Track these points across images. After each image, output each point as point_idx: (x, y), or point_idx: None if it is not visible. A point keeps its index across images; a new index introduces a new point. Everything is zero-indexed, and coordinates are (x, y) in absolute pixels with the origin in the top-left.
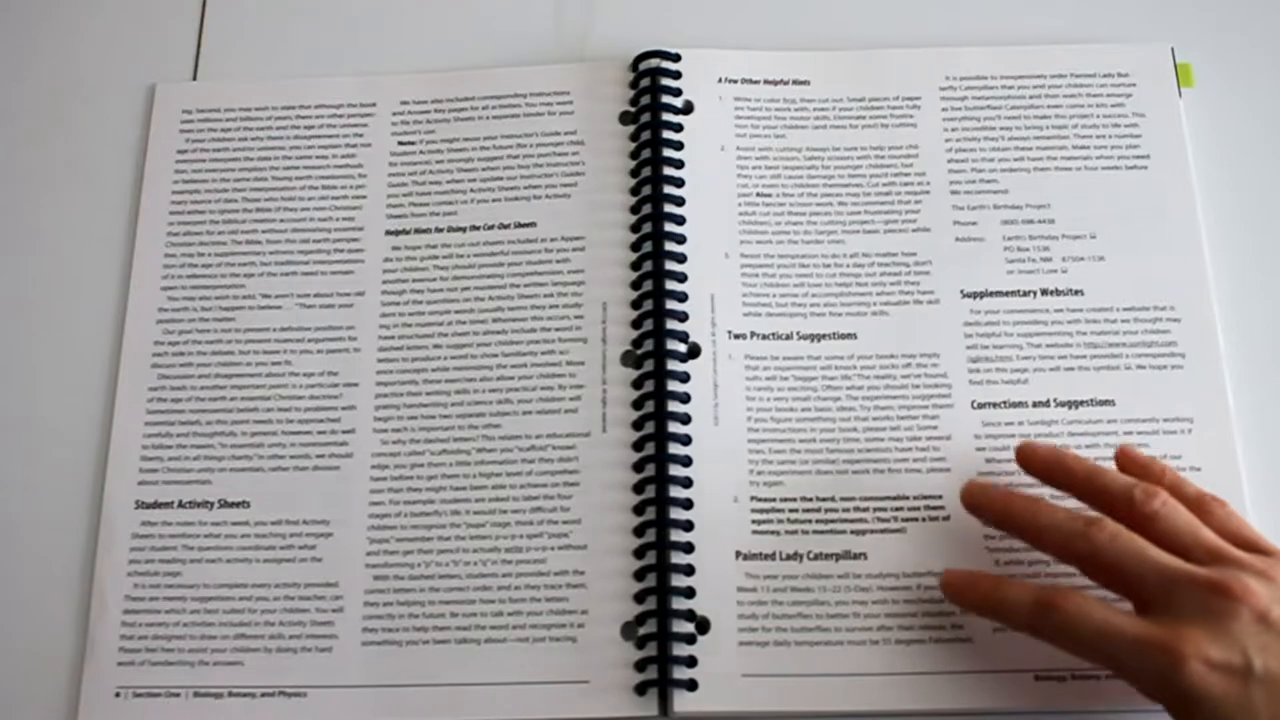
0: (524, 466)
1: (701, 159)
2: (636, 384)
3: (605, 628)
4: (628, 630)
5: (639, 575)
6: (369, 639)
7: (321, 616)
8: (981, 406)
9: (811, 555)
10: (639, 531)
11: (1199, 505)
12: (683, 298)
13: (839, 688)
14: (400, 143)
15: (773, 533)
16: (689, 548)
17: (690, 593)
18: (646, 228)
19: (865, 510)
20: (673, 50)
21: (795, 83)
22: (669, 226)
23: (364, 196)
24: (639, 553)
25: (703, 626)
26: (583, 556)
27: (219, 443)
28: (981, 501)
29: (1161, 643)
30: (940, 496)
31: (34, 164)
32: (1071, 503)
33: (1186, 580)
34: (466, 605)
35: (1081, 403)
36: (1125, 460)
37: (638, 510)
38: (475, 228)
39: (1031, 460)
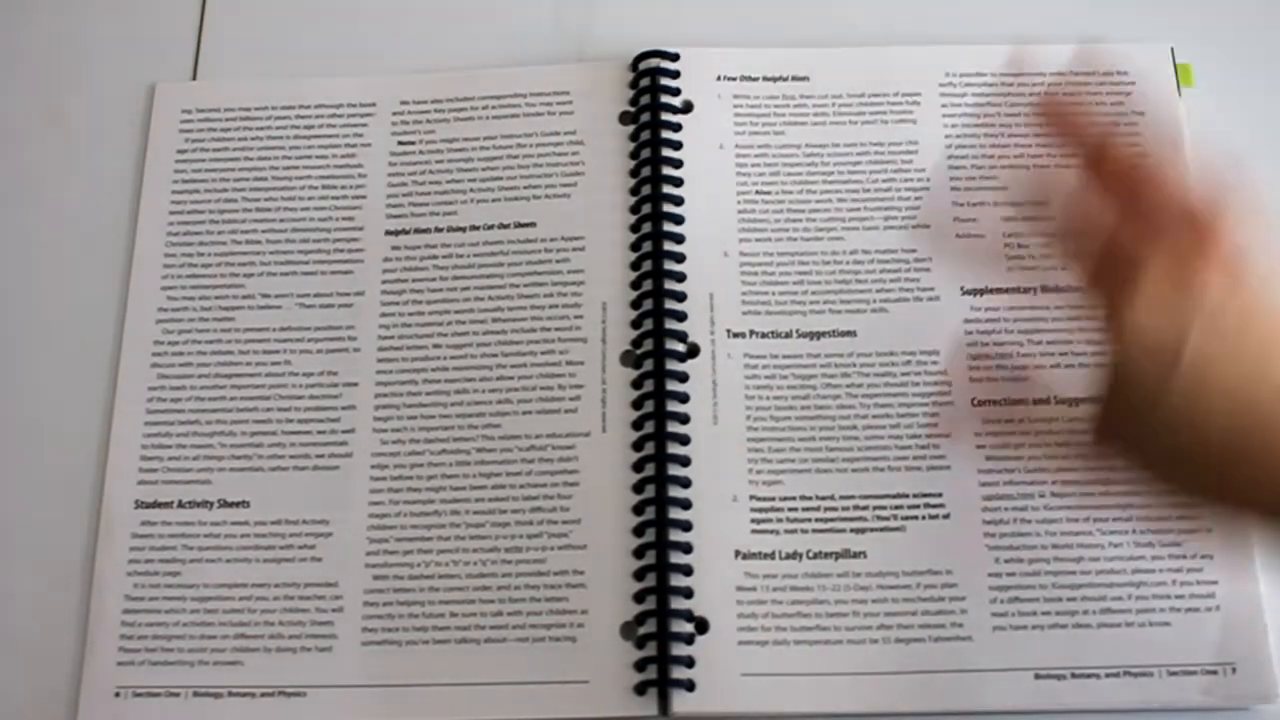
0: (524, 466)
1: (701, 158)
2: (636, 384)
3: (605, 627)
4: (627, 630)
5: (638, 575)
6: (369, 639)
7: (321, 616)
8: (981, 404)
9: (811, 554)
10: (638, 531)
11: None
12: (682, 297)
13: (838, 687)
14: (400, 143)
15: (772, 532)
16: (688, 547)
17: (689, 592)
18: (646, 227)
19: (865, 509)
20: (672, 49)
21: (794, 79)
22: (668, 226)
23: (364, 196)
24: (638, 552)
25: (702, 626)
26: (582, 556)
27: (219, 443)
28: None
29: (1114, 299)
30: (940, 494)
31: (34, 164)
32: None
33: (1159, 249)
34: (466, 605)
35: (1081, 400)
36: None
37: (637, 510)
38: (475, 228)
39: (1051, 110)
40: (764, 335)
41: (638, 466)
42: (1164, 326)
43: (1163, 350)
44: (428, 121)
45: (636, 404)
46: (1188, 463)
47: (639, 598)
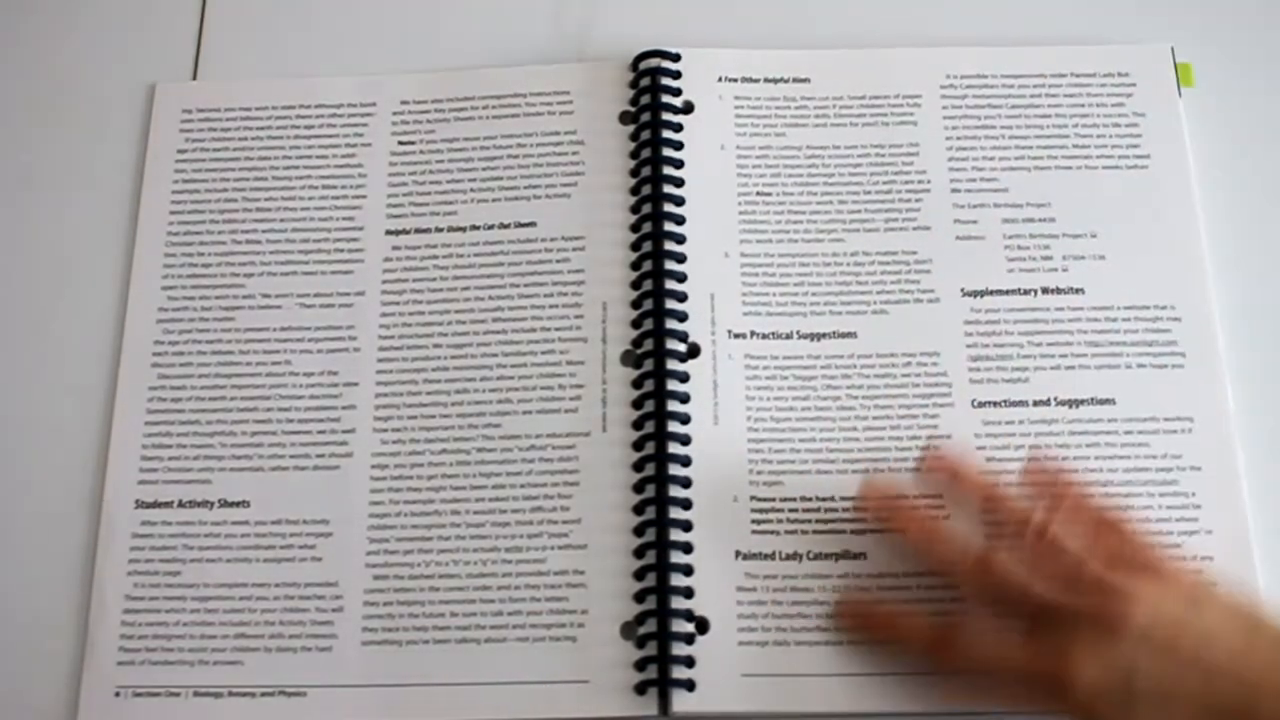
0: (524, 466)
1: (701, 158)
2: (636, 384)
3: (605, 627)
4: (627, 630)
5: (639, 575)
6: (369, 639)
7: (321, 616)
8: (982, 405)
9: (811, 555)
10: (639, 531)
11: (1097, 527)
12: (683, 297)
13: (838, 687)
14: (400, 143)
15: (772, 532)
16: (688, 547)
17: (690, 592)
18: (646, 227)
19: (865, 510)
20: (673, 50)
21: (795, 81)
22: (669, 226)
23: (364, 196)
24: (639, 552)
25: (702, 626)
26: (582, 556)
27: (219, 442)
28: (881, 510)
29: (1048, 670)
30: (940, 496)
31: (34, 164)
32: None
33: (1070, 609)
34: (466, 605)
35: (1082, 401)
36: (1034, 469)
37: (637, 510)
38: (475, 227)
39: (936, 470)
40: (765, 336)
41: (638, 466)
42: (1106, 663)
43: (1116, 690)
44: (428, 121)
45: (637, 404)
46: None
47: (639, 597)
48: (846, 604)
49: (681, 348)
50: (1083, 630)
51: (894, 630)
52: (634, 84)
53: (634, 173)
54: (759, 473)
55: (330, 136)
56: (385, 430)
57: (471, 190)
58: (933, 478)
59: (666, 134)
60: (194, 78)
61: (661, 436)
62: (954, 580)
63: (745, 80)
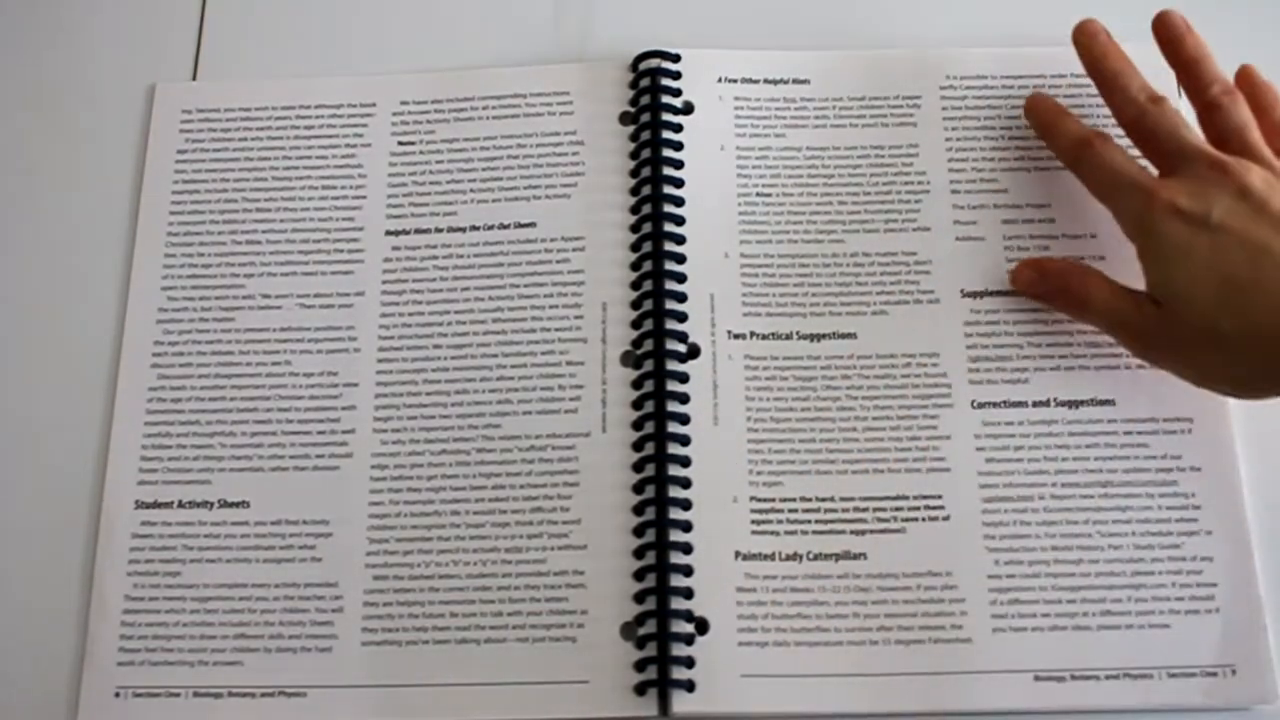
0: (524, 466)
1: (701, 159)
2: (636, 384)
3: (605, 628)
4: (627, 630)
5: (638, 575)
6: (369, 639)
7: (321, 616)
8: (981, 406)
9: (811, 555)
10: (638, 532)
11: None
12: (682, 298)
13: (838, 688)
14: (400, 143)
15: (772, 533)
16: (688, 548)
17: (689, 593)
18: (646, 228)
19: (865, 510)
20: (673, 50)
21: (795, 82)
22: (669, 226)
23: (364, 196)
24: (638, 553)
25: (702, 627)
26: (582, 556)
27: (219, 443)
28: (1089, 49)
29: (1146, 187)
30: (940, 496)
31: (34, 164)
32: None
33: (1197, 154)
34: (466, 605)
35: (1082, 402)
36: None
37: (637, 510)
38: (475, 228)
39: (1167, 28)
40: (764, 337)
41: (638, 467)
42: (1196, 195)
43: (1192, 214)
44: (428, 122)
45: (637, 404)
46: (1223, 329)
47: (639, 598)
48: (1038, 97)
49: (681, 348)
50: (1195, 175)
51: (1055, 125)
52: (634, 84)
53: (634, 173)
54: (759, 473)
55: (330, 137)
56: (385, 430)
57: (471, 191)
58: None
59: (666, 134)
60: (194, 78)
61: (661, 437)
62: (1122, 107)
63: (745, 81)
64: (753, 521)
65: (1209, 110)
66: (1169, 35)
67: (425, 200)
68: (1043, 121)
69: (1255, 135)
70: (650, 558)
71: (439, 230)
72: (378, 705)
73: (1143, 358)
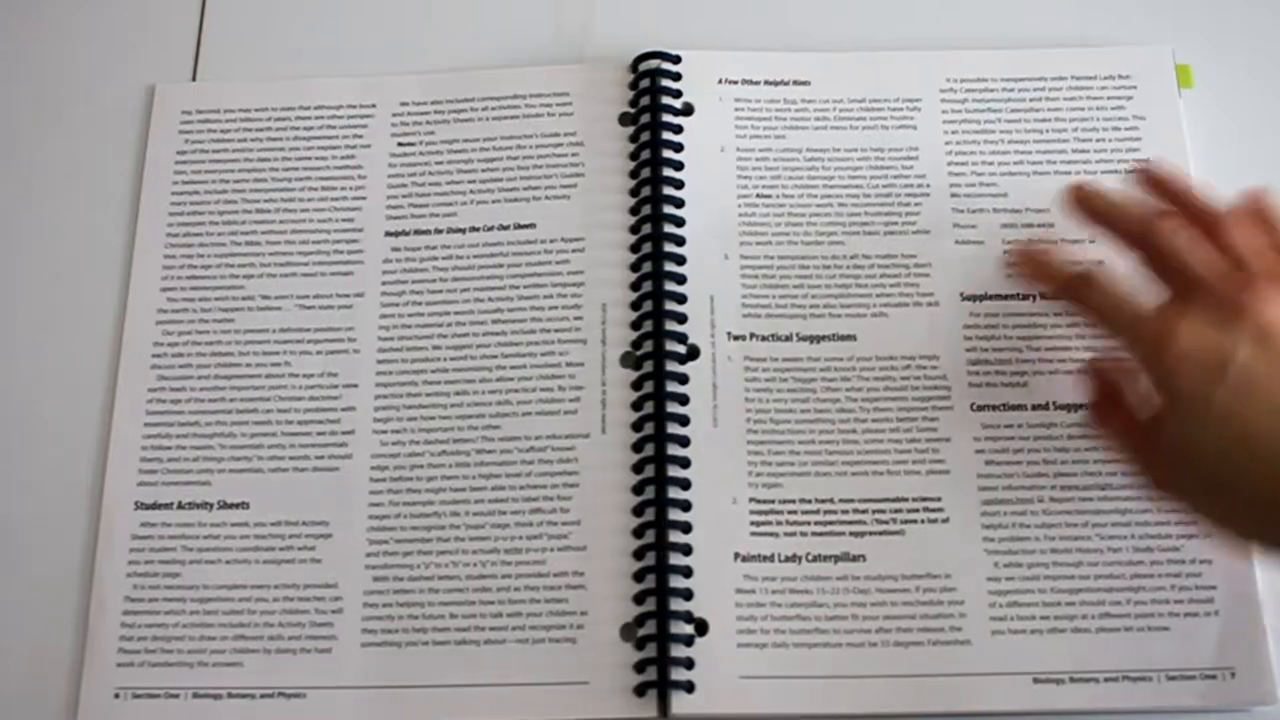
0: (523, 468)
1: (701, 160)
2: (636, 385)
3: (604, 629)
4: (627, 631)
5: (638, 576)
6: (368, 640)
7: (321, 618)
8: (981, 409)
9: (810, 557)
10: (638, 533)
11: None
12: (682, 299)
13: (837, 690)
14: (400, 144)
15: (771, 534)
16: (688, 549)
17: (689, 594)
18: (646, 229)
19: (864, 512)
20: (673, 51)
21: (795, 84)
22: (669, 228)
23: (363, 197)
24: (638, 554)
25: (701, 628)
26: (582, 558)
27: (219, 443)
28: (1083, 202)
29: (1156, 328)
30: (939, 499)
31: (34, 164)
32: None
33: (1211, 281)
34: (466, 606)
35: (1081, 405)
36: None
37: (637, 511)
38: (475, 229)
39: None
40: (764, 338)
41: (637, 468)
42: (1213, 340)
43: (1209, 364)
44: (427, 123)
45: (636, 405)
46: (1239, 485)
47: (639, 599)
48: (1022, 251)
49: (681, 349)
50: (1209, 307)
51: (1051, 262)
52: (634, 85)
53: (634, 174)
54: (758, 474)
55: (330, 138)
56: (385, 432)
57: (471, 192)
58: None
59: (666, 135)
60: (194, 79)
61: (661, 438)
62: (1128, 228)
63: (745, 82)
64: (752, 523)
65: (1214, 231)
66: (1151, 180)
67: (425, 201)
68: (1032, 268)
69: (1270, 252)
70: (650, 559)
71: (439, 231)
72: (377, 706)
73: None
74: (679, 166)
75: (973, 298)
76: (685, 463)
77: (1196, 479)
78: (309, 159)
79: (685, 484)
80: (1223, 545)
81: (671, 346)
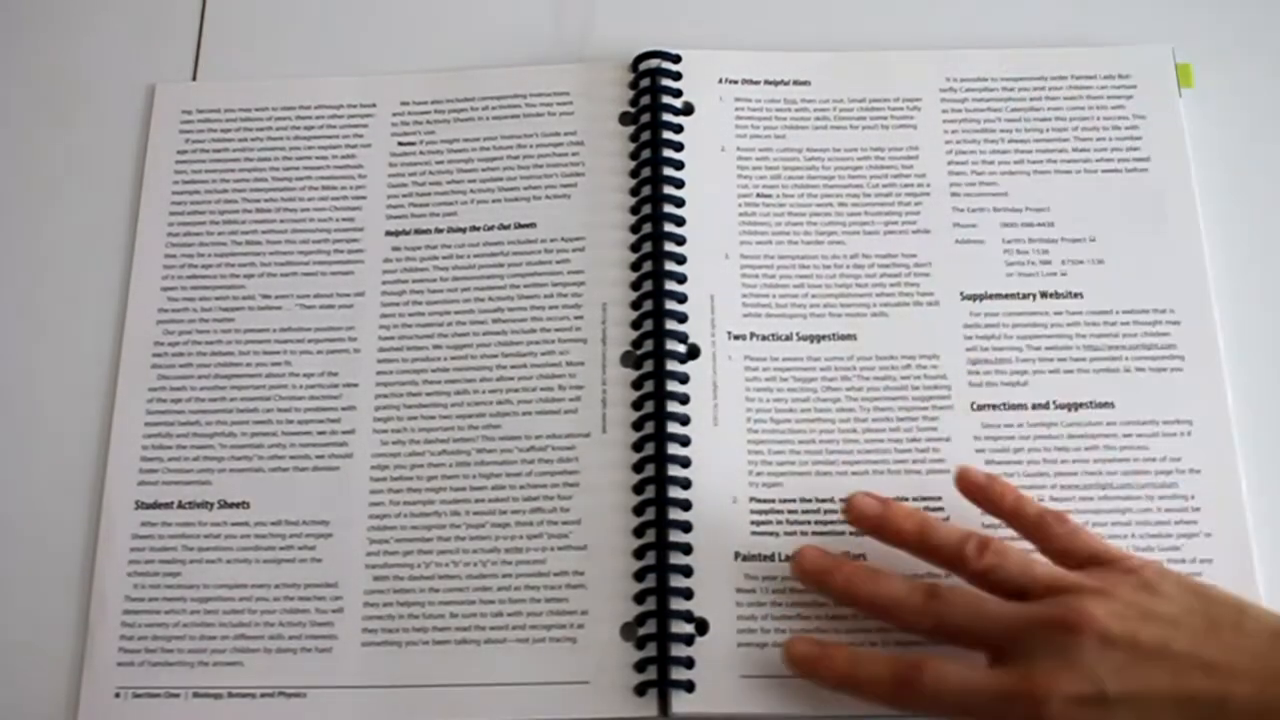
0: (524, 467)
1: (702, 160)
2: (636, 384)
3: (605, 628)
4: (627, 631)
5: (638, 576)
6: (369, 639)
7: (321, 617)
8: (981, 408)
9: None
10: (638, 532)
11: (1038, 528)
12: (682, 298)
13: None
14: (400, 143)
15: (772, 534)
16: (688, 549)
17: (689, 593)
18: (646, 228)
19: None
20: (673, 51)
21: (796, 83)
22: (669, 227)
23: (364, 197)
24: (638, 553)
25: (702, 627)
26: (582, 557)
27: (219, 443)
28: (816, 574)
29: (1018, 691)
30: (940, 498)
31: (34, 164)
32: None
33: (1025, 624)
34: (466, 606)
35: (1081, 405)
36: (964, 483)
37: (637, 511)
38: (475, 228)
39: (861, 519)
40: (764, 338)
41: (638, 467)
42: (1076, 679)
43: (1089, 702)
44: (428, 122)
45: (637, 405)
46: None
47: (639, 598)
48: (799, 645)
49: (681, 349)
50: (1043, 644)
51: (853, 677)
52: (634, 85)
53: (634, 174)
54: (758, 474)
55: (330, 137)
56: (385, 431)
57: (471, 191)
58: (862, 525)
59: (666, 135)
60: (194, 78)
61: (661, 437)
62: (906, 622)
63: (746, 82)
64: (752, 522)
65: (981, 577)
66: (874, 520)
67: (425, 201)
68: (840, 675)
69: (1039, 568)
70: (650, 558)
71: (439, 231)
72: (377, 706)
73: None
74: (679, 166)
75: (973, 297)
76: (685, 462)
77: None
78: (309, 158)
79: (685, 483)
80: None
81: (672, 346)
